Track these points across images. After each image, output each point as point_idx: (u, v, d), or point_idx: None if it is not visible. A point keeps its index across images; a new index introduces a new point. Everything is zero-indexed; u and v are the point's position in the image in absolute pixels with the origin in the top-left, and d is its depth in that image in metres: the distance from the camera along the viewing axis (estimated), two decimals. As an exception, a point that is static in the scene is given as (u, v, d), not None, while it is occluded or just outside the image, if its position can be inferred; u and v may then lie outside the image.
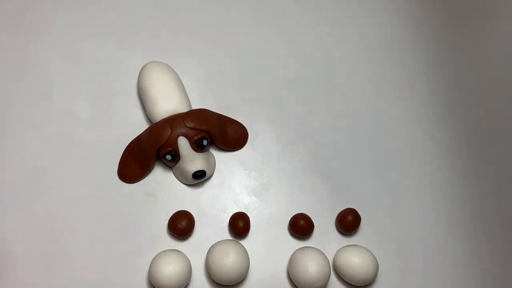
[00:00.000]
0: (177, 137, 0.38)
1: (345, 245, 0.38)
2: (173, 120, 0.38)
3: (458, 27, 0.47)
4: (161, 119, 0.39)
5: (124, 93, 0.42)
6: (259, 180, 0.41)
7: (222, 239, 0.37)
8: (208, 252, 0.36)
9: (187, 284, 0.36)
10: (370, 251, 0.37)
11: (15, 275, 0.36)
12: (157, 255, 0.36)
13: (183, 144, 0.38)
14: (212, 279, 0.36)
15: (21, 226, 0.37)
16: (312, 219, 0.39)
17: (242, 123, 0.42)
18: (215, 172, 0.40)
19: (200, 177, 0.39)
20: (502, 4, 0.48)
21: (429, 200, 0.41)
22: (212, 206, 0.39)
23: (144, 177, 0.40)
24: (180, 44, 0.44)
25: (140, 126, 0.41)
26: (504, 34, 0.47)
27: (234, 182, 0.40)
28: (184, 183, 0.40)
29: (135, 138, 0.40)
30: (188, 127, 0.38)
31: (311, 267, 0.35)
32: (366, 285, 0.37)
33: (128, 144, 0.40)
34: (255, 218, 0.39)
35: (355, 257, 0.36)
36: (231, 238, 0.38)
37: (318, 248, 0.37)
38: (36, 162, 0.40)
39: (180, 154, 0.38)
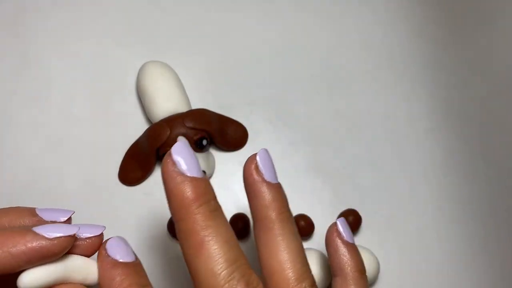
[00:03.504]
0: (177, 137, 0.37)
1: (345, 246, 0.38)
2: (173, 120, 0.38)
3: (461, 27, 0.47)
4: (160, 119, 0.39)
5: (123, 92, 0.42)
6: (259, 180, 0.40)
7: (222, 240, 0.37)
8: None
9: None
10: (371, 251, 0.37)
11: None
12: None
13: (183, 144, 0.37)
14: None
15: (19, 227, 0.37)
16: (313, 220, 0.38)
17: (242, 123, 0.42)
18: (214, 173, 0.40)
19: (199, 177, 0.38)
20: (503, 5, 0.47)
21: (431, 200, 0.41)
22: (211, 206, 0.39)
23: (145, 179, 0.40)
24: (179, 44, 0.44)
25: (139, 126, 0.41)
26: (506, 35, 0.46)
27: (234, 183, 0.40)
28: (183, 184, 0.40)
29: (134, 142, 0.40)
30: (188, 127, 0.38)
31: (312, 269, 0.35)
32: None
33: (128, 148, 0.40)
34: (255, 219, 0.39)
35: (356, 258, 0.36)
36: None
37: (318, 249, 0.37)
38: (34, 162, 0.39)
39: (180, 154, 0.38)
